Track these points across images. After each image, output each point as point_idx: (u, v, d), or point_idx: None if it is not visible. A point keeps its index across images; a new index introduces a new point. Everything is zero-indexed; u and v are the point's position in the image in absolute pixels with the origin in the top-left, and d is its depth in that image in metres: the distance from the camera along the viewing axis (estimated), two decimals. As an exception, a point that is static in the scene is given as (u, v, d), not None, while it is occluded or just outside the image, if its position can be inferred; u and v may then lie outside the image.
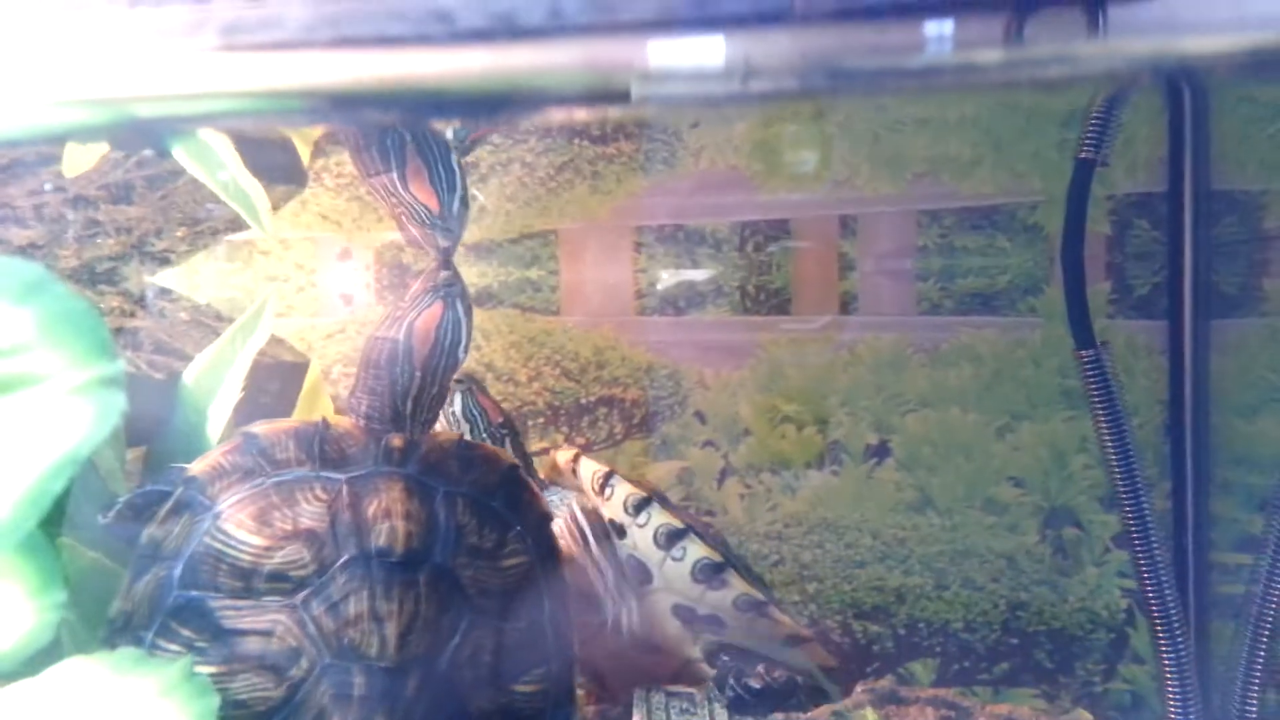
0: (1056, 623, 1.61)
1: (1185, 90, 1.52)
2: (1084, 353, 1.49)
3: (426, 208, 1.22)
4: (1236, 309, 1.58)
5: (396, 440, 1.15)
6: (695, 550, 1.34)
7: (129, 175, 1.28)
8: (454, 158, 1.24)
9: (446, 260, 1.23)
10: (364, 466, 1.12)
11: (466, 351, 1.26)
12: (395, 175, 1.22)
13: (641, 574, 1.33)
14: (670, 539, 1.33)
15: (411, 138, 1.21)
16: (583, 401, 1.71)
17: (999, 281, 1.64)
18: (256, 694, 1.00)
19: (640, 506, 1.33)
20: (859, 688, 1.17)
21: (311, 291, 1.71)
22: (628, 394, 1.71)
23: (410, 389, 1.19)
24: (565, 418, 1.71)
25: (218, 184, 1.23)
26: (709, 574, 1.32)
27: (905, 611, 1.65)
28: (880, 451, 1.66)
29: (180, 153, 1.23)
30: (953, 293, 1.66)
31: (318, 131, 1.44)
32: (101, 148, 1.19)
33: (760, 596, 1.34)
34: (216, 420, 1.23)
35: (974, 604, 1.63)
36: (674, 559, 1.32)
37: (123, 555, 1.11)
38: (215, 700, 0.75)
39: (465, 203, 1.26)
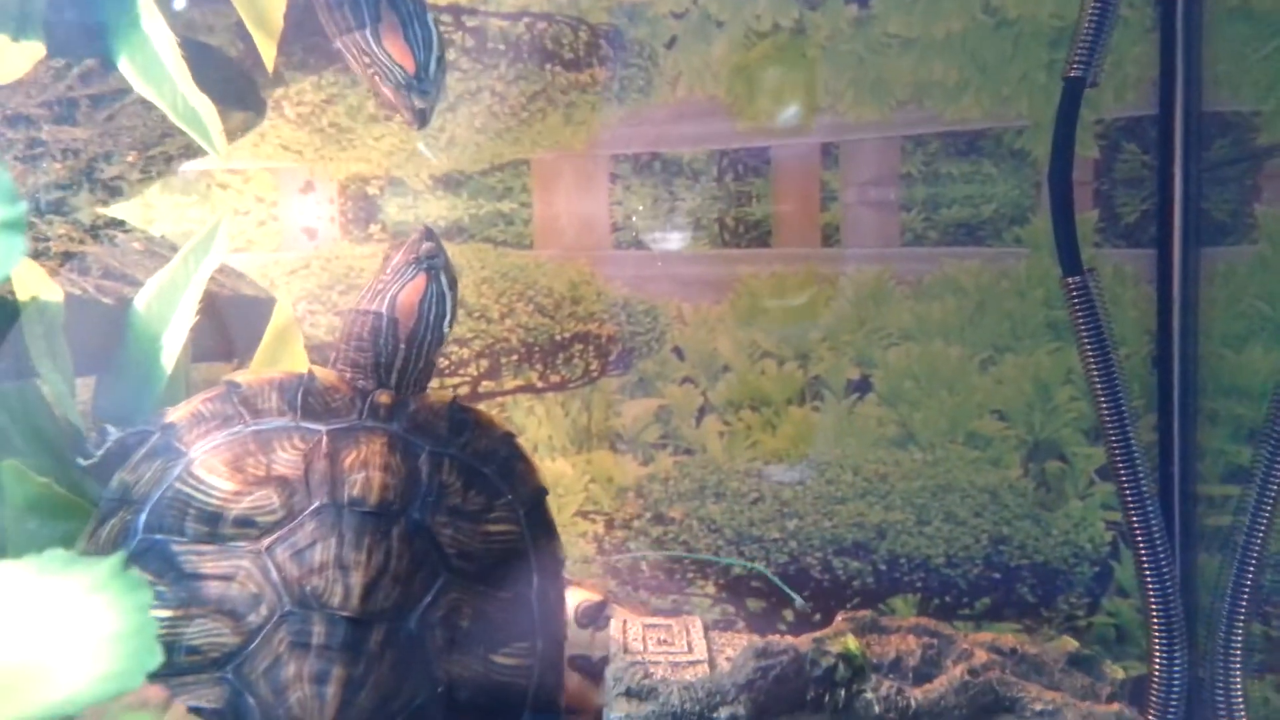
0: (1039, 556, 1.58)
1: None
2: (1071, 280, 1.45)
3: (401, 68, 1.15)
4: (1227, 236, 1.54)
5: (384, 397, 1.12)
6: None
7: (71, 91, 1.21)
8: (430, 15, 1.17)
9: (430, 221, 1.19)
10: (347, 420, 1.09)
11: (451, 326, 1.22)
12: (368, 32, 1.15)
13: None
14: None
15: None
16: (557, 338, 1.66)
17: (984, 211, 1.60)
18: (212, 639, 0.97)
19: None
20: (840, 616, 1.14)
21: (273, 225, 1.64)
22: (603, 330, 1.66)
23: (394, 362, 1.16)
24: (539, 355, 1.66)
25: (165, 101, 1.17)
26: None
27: (886, 547, 1.62)
28: (862, 386, 1.63)
29: (125, 65, 1.16)
30: (937, 223, 1.61)
31: (280, 23, 1.35)
32: (37, 51, 1.12)
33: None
34: (171, 348, 1.17)
35: (956, 539, 1.61)
36: None
37: (73, 483, 1.06)
38: (149, 595, 0.72)
39: (442, 64, 1.19)
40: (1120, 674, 1.07)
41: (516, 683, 1.04)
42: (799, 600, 0.98)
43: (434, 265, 1.17)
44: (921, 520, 1.61)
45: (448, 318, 1.19)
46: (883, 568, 1.63)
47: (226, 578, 0.99)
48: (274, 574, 0.98)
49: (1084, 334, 1.47)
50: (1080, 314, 1.47)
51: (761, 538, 1.64)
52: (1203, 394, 1.50)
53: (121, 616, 0.69)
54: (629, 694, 0.98)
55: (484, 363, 1.66)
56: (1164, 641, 1.43)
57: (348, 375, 1.16)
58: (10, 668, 0.65)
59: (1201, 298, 1.52)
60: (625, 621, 1.16)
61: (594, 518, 1.67)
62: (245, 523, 1.01)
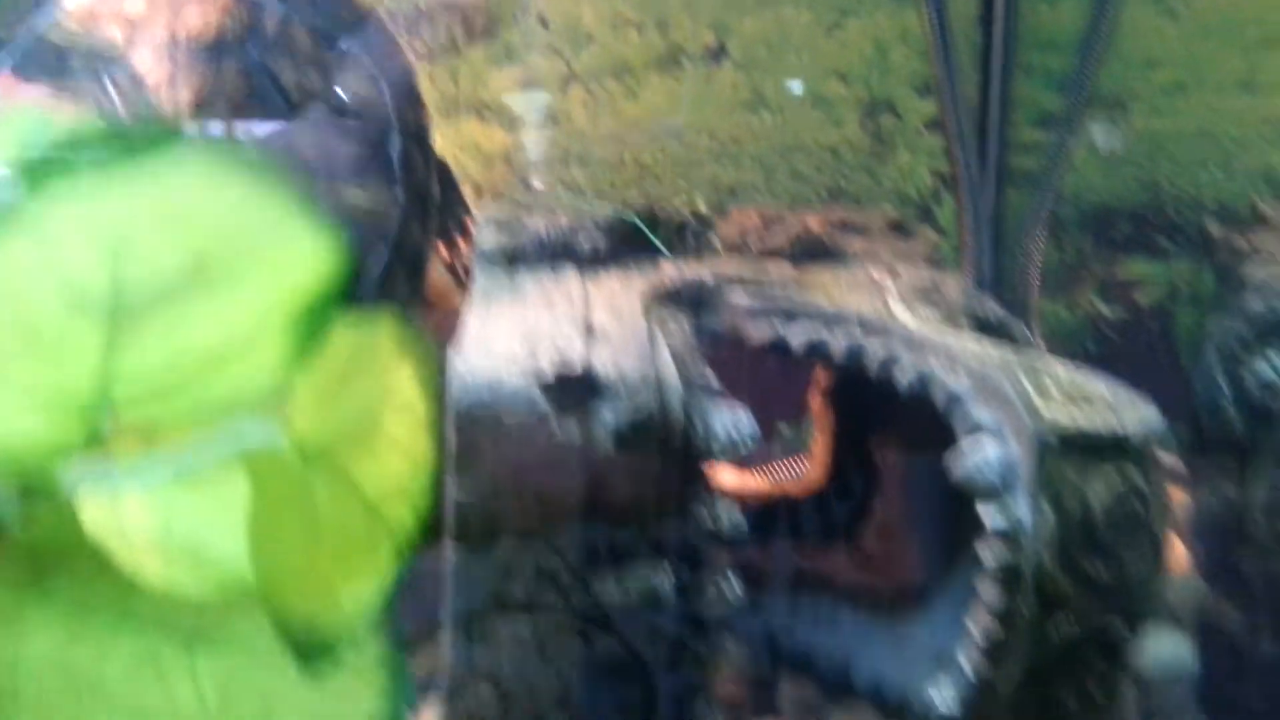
0: (871, 204, 1.73)
1: None
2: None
3: None
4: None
5: None
6: None
7: None
8: None
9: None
10: None
11: None
12: None
13: None
14: None
15: None
16: (421, 6, 1.67)
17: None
18: None
19: None
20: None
21: None
22: (469, -2, 1.68)
23: None
24: (403, 24, 1.67)
25: None
26: None
27: (736, 206, 1.74)
28: (719, 54, 1.71)
29: None
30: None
31: None
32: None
33: None
34: None
35: (800, 195, 1.74)
36: None
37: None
38: None
39: None
40: (935, 239, 1.22)
41: (366, 211, 1.12)
42: (666, 253, 1.07)
43: None
44: (770, 179, 1.74)
45: None
46: (733, 218, 1.75)
47: None
48: (113, 94, 1.05)
49: (921, -9, 1.58)
50: (917, -31, 1.58)
51: (624, 201, 1.74)
52: (1021, 47, 1.64)
53: None
54: (498, 225, 1.08)
55: (348, 28, 1.67)
56: (975, 266, 1.62)
57: None
58: None
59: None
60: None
61: (462, 186, 1.73)
62: (93, 56, 1.06)
